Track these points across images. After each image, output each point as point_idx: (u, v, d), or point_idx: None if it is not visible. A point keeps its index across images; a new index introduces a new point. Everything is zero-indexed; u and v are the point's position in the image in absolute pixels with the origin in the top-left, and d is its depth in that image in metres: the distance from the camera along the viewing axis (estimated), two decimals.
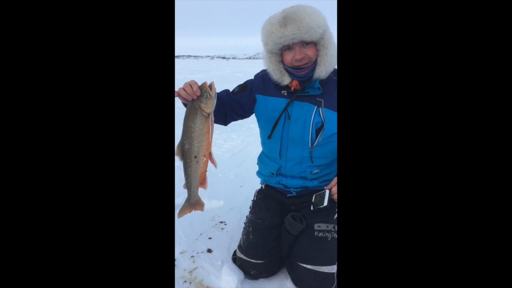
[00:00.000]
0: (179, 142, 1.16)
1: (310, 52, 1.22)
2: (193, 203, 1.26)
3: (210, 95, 1.11)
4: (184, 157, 1.17)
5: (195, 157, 1.15)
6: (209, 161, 1.20)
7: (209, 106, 1.12)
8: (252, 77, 1.50)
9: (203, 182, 1.23)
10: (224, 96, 1.42)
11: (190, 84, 1.12)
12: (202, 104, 1.12)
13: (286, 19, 1.16)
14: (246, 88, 1.44)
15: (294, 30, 1.15)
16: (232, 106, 1.42)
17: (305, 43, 1.21)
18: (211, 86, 1.13)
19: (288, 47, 1.24)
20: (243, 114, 1.47)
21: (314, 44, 1.22)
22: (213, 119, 1.16)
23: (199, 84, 1.15)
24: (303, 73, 1.26)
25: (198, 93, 1.11)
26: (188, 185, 1.21)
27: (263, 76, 1.41)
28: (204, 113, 1.12)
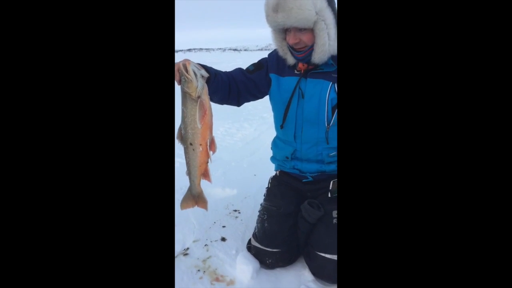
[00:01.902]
0: (179, 126, 1.07)
1: (305, 37, 1.16)
2: (195, 194, 1.20)
3: (186, 77, 1.00)
4: (182, 143, 1.09)
5: (191, 144, 1.07)
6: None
7: (192, 89, 1.00)
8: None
9: (205, 174, 1.15)
10: (238, 74, 1.34)
11: (176, 64, 1.03)
12: (185, 87, 1.01)
13: (278, 5, 1.11)
14: (262, 66, 1.37)
15: (284, 18, 1.11)
16: (246, 85, 1.35)
17: (299, 29, 1.15)
18: (185, 67, 1.01)
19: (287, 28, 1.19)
20: (257, 94, 1.40)
21: (311, 29, 1.15)
22: (205, 104, 1.04)
23: (195, 63, 1.04)
24: (300, 56, 1.22)
25: (177, 77, 1.01)
26: (187, 172, 1.14)
27: (277, 54, 1.33)
28: (192, 97, 1.02)
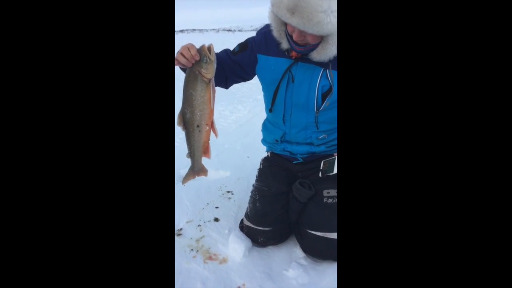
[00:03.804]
0: (180, 111, 1.09)
1: (310, 38, 1.06)
2: (197, 171, 1.23)
3: (209, 59, 1.03)
4: (186, 127, 1.11)
5: (198, 126, 1.09)
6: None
7: (210, 71, 1.04)
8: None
9: (206, 151, 1.18)
10: (223, 57, 1.31)
11: (188, 48, 1.03)
12: (202, 69, 1.03)
13: (296, 7, 0.96)
14: (246, 47, 1.32)
15: (299, 22, 0.98)
16: (232, 68, 1.32)
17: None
18: (210, 49, 1.04)
19: None
20: (244, 76, 1.37)
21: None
22: (214, 84, 1.09)
23: (197, 47, 1.06)
24: (299, 50, 1.15)
25: (197, 58, 1.03)
26: (191, 154, 1.17)
27: (266, 33, 1.27)
28: (205, 79, 1.04)
